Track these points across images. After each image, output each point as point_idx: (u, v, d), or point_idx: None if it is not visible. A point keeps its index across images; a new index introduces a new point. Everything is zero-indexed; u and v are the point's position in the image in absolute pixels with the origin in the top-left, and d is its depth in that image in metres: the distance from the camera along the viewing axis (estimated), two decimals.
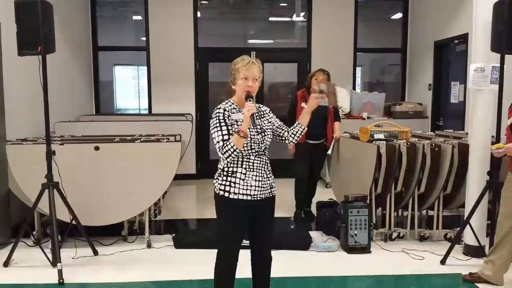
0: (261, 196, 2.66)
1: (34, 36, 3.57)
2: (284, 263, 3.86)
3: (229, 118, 2.61)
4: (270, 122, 2.76)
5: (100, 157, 4.21)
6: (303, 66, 7.74)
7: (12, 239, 4.15)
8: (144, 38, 7.60)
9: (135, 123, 5.79)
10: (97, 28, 7.62)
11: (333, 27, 7.69)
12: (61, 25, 5.46)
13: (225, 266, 2.71)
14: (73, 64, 6.75)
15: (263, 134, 2.67)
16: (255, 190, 2.63)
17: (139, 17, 7.83)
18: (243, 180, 2.62)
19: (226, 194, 2.63)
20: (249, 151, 2.61)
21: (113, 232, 4.48)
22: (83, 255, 4.08)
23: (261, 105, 2.82)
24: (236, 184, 2.62)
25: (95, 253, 4.13)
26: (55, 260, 3.68)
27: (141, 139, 4.51)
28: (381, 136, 4.50)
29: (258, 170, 2.64)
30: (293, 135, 2.77)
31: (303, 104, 5.13)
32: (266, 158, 2.71)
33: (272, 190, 2.74)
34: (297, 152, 5.21)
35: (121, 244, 4.41)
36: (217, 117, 2.60)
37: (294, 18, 8.17)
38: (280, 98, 8.12)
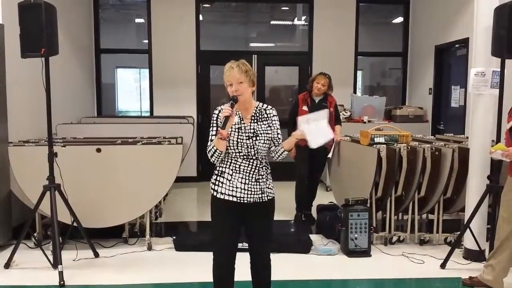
0: (248, 199, 2.64)
1: (38, 38, 3.59)
2: (285, 266, 3.87)
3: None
4: (270, 127, 2.72)
5: (102, 159, 4.23)
6: (304, 70, 7.76)
7: (13, 241, 4.17)
8: (146, 41, 7.63)
9: (137, 126, 5.81)
10: (99, 30, 7.66)
11: (334, 30, 7.72)
12: (64, 28, 5.49)
13: (218, 265, 2.73)
14: (75, 66, 6.78)
15: (254, 138, 2.64)
16: (241, 192, 2.63)
17: (141, 20, 7.87)
18: (229, 180, 2.64)
19: (215, 193, 2.68)
20: (237, 154, 2.63)
21: (114, 234, 4.49)
22: (84, 257, 4.09)
23: (268, 108, 2.76)
24: (223, 184, 2.66)
25: (96, 255, 4.14)
26: (56, 262, 3.69)
27: (143, 142, 4.52)
28: (382, 139, 4.51)
29: (244, 173, 2.63)
30: (275, 152, 2.77)
31: (304, 108, 5.15)
32: (259, 163, 2.66)
33: (263, 195, 2.67)
34: (298, 155, 5.21)
35: (122, 246, 4.42)
36: (212, 119, 2.69)
37: (296, 21, 8.19)
38: (282, 101, 8.14)
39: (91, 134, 5.33)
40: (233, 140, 2.61)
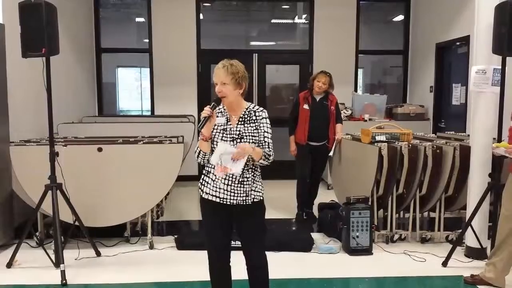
0: (232, 201, 2.62)
1: (38, 38, 3.59)
2: (286, 264, 3.88)
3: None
4: (257, 130, 2.64)
5: (103, 159, 4.23)
6: (305, 68, 7.76)
7: (15, 240, 4.18)
8: (147, 40, 7.64)
9: (138, 125, 5.82)
10: (100, 30, 7.67)
11: (335, 29, 7.71)
12: (65, 27, 5.48)
13: (212, 264, 2.76)
14: (76, 66, 6.78)
15: (239, 140, 2.61)
16: (224, 193, 2.62)
17: (142, 19, 7.87)
18: (213, 181, 2.64)
19: (201, 193, 2.70)
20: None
21: (115, 233, 4.50)
22: (86, 256, 4.10)
23: (258, 110, 2.68)
24: (208, 184, 2.67)
25: (98, 254, 4.15)
26: (58, 261, 3.70)
27: (144, 141, 4.53)
28: (383, 138, 4.50)
29: (228, 175, 2.58)
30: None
31: (305, 106, 5.15)
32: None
33: (247, 198, 2.63)
34: (299, 153, 5.22)
35: (123, 245, 4.43)
36: None
37: (296, 20, 8.19)
38: (282, 100, 8.14)
39: (92, 133, 5.34)
40: (217, 141, 2.61)
